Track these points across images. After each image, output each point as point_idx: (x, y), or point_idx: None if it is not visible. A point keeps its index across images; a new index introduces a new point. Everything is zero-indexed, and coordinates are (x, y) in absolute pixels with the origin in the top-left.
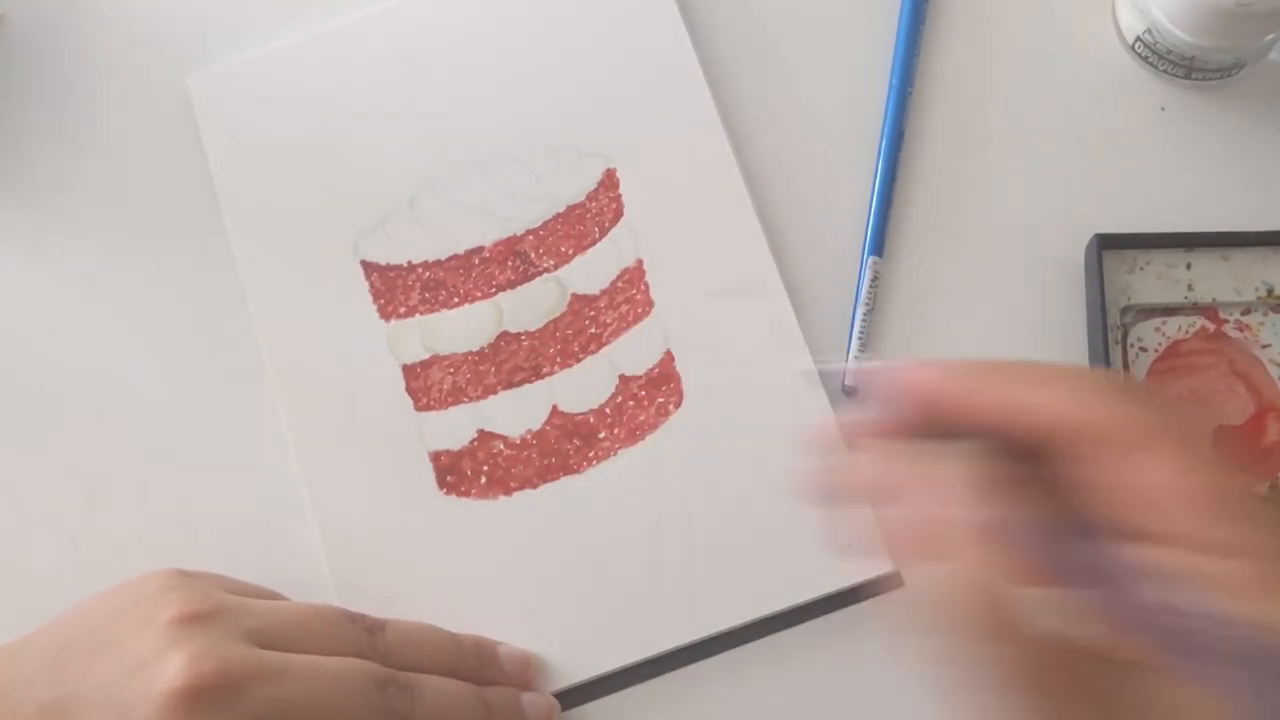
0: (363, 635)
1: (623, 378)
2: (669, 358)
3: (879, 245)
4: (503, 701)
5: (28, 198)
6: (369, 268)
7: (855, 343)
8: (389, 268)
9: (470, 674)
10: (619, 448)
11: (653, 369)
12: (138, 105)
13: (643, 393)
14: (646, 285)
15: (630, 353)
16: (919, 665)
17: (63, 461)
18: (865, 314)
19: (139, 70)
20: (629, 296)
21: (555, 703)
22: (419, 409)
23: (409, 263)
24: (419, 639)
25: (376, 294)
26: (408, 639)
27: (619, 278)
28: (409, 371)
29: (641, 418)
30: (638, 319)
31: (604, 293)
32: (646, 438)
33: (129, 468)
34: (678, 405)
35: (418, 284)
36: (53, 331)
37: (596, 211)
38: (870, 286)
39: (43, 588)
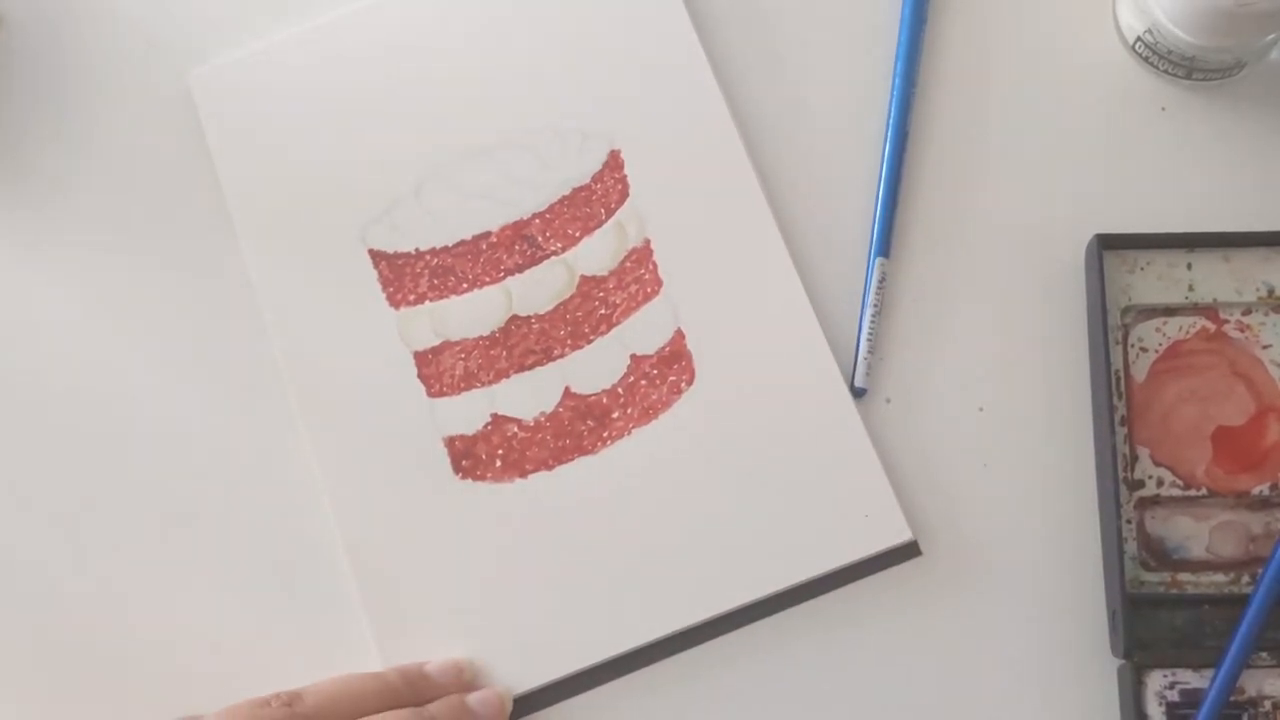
0: (281, 713)
1: (634, 357)
2: (680, 336)
3: (885, 247)
4: (447, 711)
5: (29, 197)
6: (376, 256)
7: (864, 344)
8: (397, 256)
9: (406, 703)
10: (632, 427)
11: (664, 348)
12: (139, 102)
13: (654, 372)
14: (655, 265)
15: (641, 332)
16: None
17: (63, 461)
18: (873, 315)
19: (139, 67)
20: (638, 276)
21: (504, 692)
22: (431, 395)
23: (417, 250)
24: (338, 695)
25: (385, 282)
26: (327, 699)
27: (627, 258)
28: (420, 358)
29: (654, 396)
30: (647, 299)
31: (612, 273)
32: (660, 416)
33: (135, 462)
34: (690, 383)
35: (426, 271)
36: (55, 330)
37: (603, 193)
38: (878, 288)
39: (43, 588)
